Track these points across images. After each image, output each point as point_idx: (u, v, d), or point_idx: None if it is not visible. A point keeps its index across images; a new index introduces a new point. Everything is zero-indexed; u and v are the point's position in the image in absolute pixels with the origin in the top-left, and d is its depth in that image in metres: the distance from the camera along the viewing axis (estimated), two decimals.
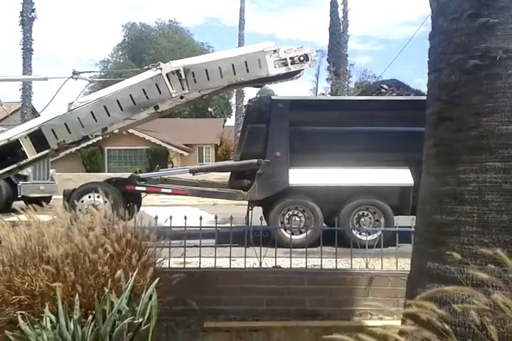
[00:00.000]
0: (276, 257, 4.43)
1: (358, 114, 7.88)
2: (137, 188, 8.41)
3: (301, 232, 7.38)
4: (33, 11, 24.73)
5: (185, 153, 30.51)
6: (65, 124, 7.97)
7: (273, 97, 8.13)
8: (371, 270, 4.34)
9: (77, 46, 79.71)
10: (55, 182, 14.63)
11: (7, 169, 8.14)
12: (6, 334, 2.48)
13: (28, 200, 11.91)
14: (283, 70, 8.26)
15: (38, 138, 7.96)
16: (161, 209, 9.34)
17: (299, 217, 7.77)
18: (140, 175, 8.69)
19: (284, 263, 4.61)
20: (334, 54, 35.26)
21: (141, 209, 9.19)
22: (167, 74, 7.99)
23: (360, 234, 7.17)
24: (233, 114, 35.85)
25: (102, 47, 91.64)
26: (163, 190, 8.51)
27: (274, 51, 8.19)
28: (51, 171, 14.39)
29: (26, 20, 24.43)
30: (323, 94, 41.06)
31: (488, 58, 2.37)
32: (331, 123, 7.87)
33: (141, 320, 2.43)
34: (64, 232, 3.22)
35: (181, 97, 8.12)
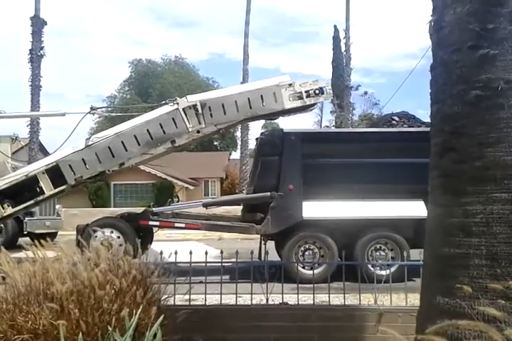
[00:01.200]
0: (283, 293, 4.35)
1: (370, 146, 7.89)
2: (151, 223, 8.38)
3: (313, 267, 7.22)
4: (42, 48, 25.50)
5: (191, 187, 30.56)
6: (83, 160, 8.06)
7: (285, 130, 8.21)
8: (380, 306, 4.25)
9: (85, 82, 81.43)
10: (61, 217, 14.64)
11: (24, 205, 8.23)
12: None
13: (34, 236, 11.87)
14: (298, 104, 8.37)
15: (55, 174, 8.04)
16: (166, 244, 9.26)
17: (314, 252, 7.67)
18: (153, 209, 8.66)
19: (291, 299, 4.51)
20: (338, 87, 35.80)
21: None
22: (184, 109, 8.11)
23: (376, 268, 6.97)
24: (238, 147, 36.06)
25: (108, 83, 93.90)
26: (176, 225, 8.47)
27: (290, 85, 8.32)
28: (57, 207, 14.41)
29: (35, 57, 25.15)
30: (327, 126, 41.48)
31: (490, 89, 2.39)
32: (343, 155, 7.87)
33: None
34: (69, 268, 3.19)
35: (198, 131, 8.22)
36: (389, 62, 79.12)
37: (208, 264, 4.37)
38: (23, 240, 12.12)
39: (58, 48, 66.59)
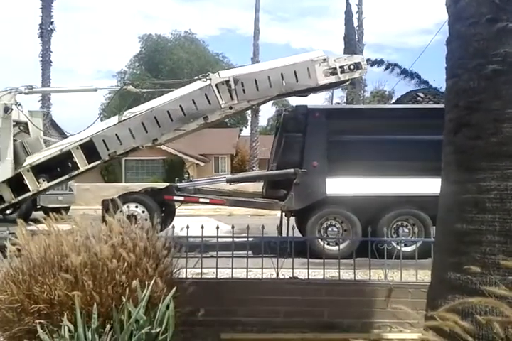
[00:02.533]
0: (293, 268, 4.39)
1: (395, 123, 7.81)
2: (175, 198, 8.44)
3: (337, 243, 7.27)
4: (52, 23, 25.28)
5: (202, 163, 30.68)
6: (116, 135, 8.08)
7: (309, 106, 8.14)
8: (390, 281, 4.28)
9: (95, 58, 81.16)
10: (73, 192, 14.81)
11: (59, 180, 8.29)
12: None
13: (47, 210, 12.06)
14: (332, 79, 8.24)
15: (89, 149, 8.07)
16: (177, 219, 9.35)
17: (337, 228, 7.72)
18: (178, 184, 8.69)
19: (300, 274, 4.56)
20: None
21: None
22: (216, 85, 8.06)
23: (397, 244, 6.98)
24: (249, 123, 35.90)
25: (118, 59, 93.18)
26: (201, 200, 8.52)
27: (324, 60, 8.18)
28: (70, 182, 14.56)
29: (45, 32, 24.97)
30: (338, 103, 41.04)
31: (508, 63, 2.34)
32: (368, 131, 7.81)
33: (158, 329, 2.43)
34: (82, 241, 3.24)
35: (230, 108, 8.18)
36: (402, 37, 77.61)
37: (219, 239, 4.41)
38: (36, 214, 12.34)
39: (67, 23, 66.24)
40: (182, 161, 28.56)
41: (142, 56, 47.39)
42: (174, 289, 2.78)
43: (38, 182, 8.13)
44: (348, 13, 36.18)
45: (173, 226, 4.17)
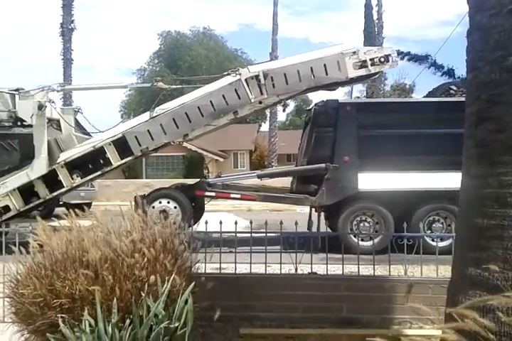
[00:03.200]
0: (312, 263, 4.37)
1: (427, 117, 7.71)
2: (207, 194, 8.49)
3: (370, 238, 7.18)
4: (72, 22, 25.64)
5: (221, 159, 30.79)
6: (148, 131, 8.17)
7: (340, 100, 8.08)
8: (410, 277, 4.23)
9: (115, 55, 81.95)
10: (95, 188, 15.00)
11: (92, 176, 8.45)
12: (48, 337, 2.54)
13: (70, 206, 12.25)
14: (362, 72, 8.18)
15: (121, 145, 8.19)
16: None
17: (369, 223, 7.69)
18: (209, 180, 8.73)
19: (319, 269, 4.54)
20: None
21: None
22: (246, 80, 8.08)
23: (432, 240, 6.69)
24: (267, 119, 35.84)
25: (138, 56, 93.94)
26: (232, 196, 8.56)
27: (354, 53, 8.13)
28: None
29: (66, 31, 25.32)
30: (358, 97, 40.63)
31: None
32: (399, 126, 7.71)
33: (177, 324, 2.45)
34: (103, 237, 3.28)
35: (260, 102, 8.20)
36: (422, 30, 76.28)
37: (237, 234, 4.43)
38: (59, 210, 12.55)
39: (86, 22, 66.86)
40: (201, 157, 28.70)
41: (161, 53, 47.65)
42: (193, 284, 2.80)
43: (72, 178, 8.27)
44: (368, 7, 35.73)
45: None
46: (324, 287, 4.18)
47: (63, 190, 8.36)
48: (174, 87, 9.04)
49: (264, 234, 4.49)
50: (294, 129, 51.49)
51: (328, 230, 8.01)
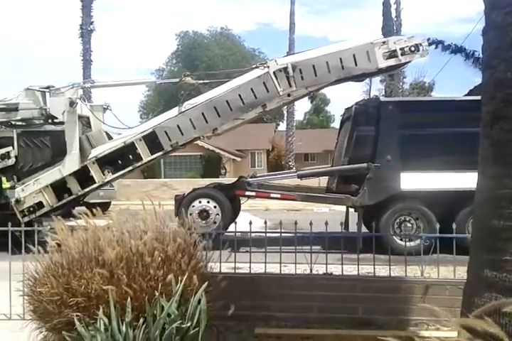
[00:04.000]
0: (327, 264, 4.36)
1: (471, 115, 7.58)
2: (247, 193, 8.50)
3: (413, 239, 7.01)
4: (92, 23, 25.94)
5: (238, 159, 30.82)
6: (178, 126, 8.23)
7: (382, 99, 7.99)
8: (427, 278, 4.18)
9: (133, 56, 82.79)
10: (114, 188, 15.16)
11: (123, 171, 8.56)
12: (64, 335, 2.58)
13: (89, 206, 12.38)
14: (392, 62, 8.07)
15: (151, 141, 8.28)
16: None
17: (411, 224, 7.60)
18: (249, 180, 8.73)
19: (335, 270, 4.52)
20: None
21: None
22: (274, 72, 8.05)
23: None
24: (285, 118, 35.78)
25: (157, 56, 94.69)
26: (272, 195, 8.55)
27: (383, 43, 8.04)
28: None
29: (85, 32, 25.64)
30: (376, 95, 40.23)
31: None
32: (443, 124, 7.59)
33: (189, 324, 2.46)
34: (118, 236, 3.31)
35: (288, 95, 8.17)
36: (442, 27, 75.09)
37: (252, 234, 4.42)
38: (78, 209, 12.70)
39: (106, 23, 67.59)
40: (219, 157, 28.78)
41: (179, 53, 47.98)
42: (206, 284, 2.81)
43: (104, 174, 8.39)
44: (386, 4, 35.36)
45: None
46: (340, 287, 4.15)
47: (95, 185, 8.45)
48: (201, 81, 9.01)
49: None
50: (312, 128, 51.42)
51: (365, 230, 7.83)
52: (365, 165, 7.63)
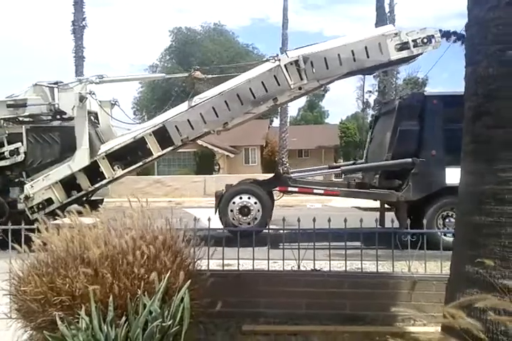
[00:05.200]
0: (314, 260, 4.36)
1: None
2: (290, 189, 8.42)
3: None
4: (84, 19, 25.67)
5: (231, 155, 30.78)
6: (188, 121, 8.15)
7: (426, 93, 7.92)
8: (414, 274, 4.19)
9: (128, 52, 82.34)
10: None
11: (134, 167, 8.45)
12: (45, 334, 2.56)
13: (82, 203, 12.33)
14: (405, 54, 8.03)
15: (162, 136, 8.20)
16: (200, 211, 9.39)
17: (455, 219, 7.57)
18: (292, 175, 8.64)
19: (324, 265, 4.52)
20: None
21: (188, 210, 9.31)
22: (285, 65, 8.00)
23: None
24: (278, 114, 35.74)
25: (151, 52, 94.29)
26: (315, 191, 8.47)
27: (395, 34, 7.99)
28: None
29: (77, 28, 25.40)
30: (370, 91, 40.35)
31: None
32: None
33: (169, 322, 2.45)
34: (103, 234, 3.29)
35: (300, 88, 8.11)
36: (439, 21, 75.20)
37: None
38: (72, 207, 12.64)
39: (100, 18, 67.15)
40: (212, 153, 28.71)
41: (173, 49, 47.74)
42: (189, 282, 2.80)
43: (113, 170, 8.30)
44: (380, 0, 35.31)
45: (195, 218, 4.17)
46: (327, 284, 4.15)
47: (105, 181, 8.38)
48: (210, 76, 8.91)
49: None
50: (306, 124, 51.37)
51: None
52: (410, 160, 7.59)
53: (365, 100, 45.75)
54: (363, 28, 78.65)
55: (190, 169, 27.19)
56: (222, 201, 8.20)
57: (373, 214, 7.68)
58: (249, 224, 8.05)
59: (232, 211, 8.12)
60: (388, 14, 32.04)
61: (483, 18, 2.48)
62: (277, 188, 8.56)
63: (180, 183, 20.81)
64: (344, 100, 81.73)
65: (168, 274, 2.79)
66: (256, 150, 34.55)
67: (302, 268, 4.41)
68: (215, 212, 8.24)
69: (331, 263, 4.32)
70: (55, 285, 3.00)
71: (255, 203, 8.18)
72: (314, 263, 4.36)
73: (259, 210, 8.11)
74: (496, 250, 2.27)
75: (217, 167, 28.01)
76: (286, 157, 28.71)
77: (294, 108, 63.52)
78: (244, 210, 8.14)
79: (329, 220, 4.15)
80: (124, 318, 2.48)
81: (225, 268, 4.40)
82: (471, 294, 2.30)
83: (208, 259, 4.05)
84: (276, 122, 41.97)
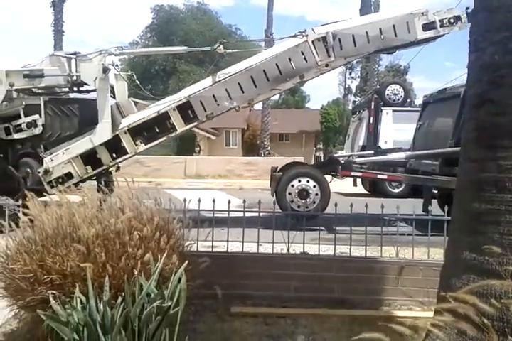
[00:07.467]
0: (304, 243, 4.38)
1: None
2: (353, 174, 8.35)
3: None
4: None
5: (213, 137, 30.61)
6: (213, 96, 7.92)
7: None
8: (401, 259, 4.25)
9: (105, 28, 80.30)
10: None
11: (157, 142, 8.16)
12: (38, 313, 2.51)
13: (100, 179, 11.94)
14: (431, 34, 7.98)
15: (186, 111, 7.96)
16: (188, 193, 9.34)
17: None
18: (356, 160, 8.51)
19: (311, 249, 4.55)
20: None
21: (169, 191, 9.24)
22: (313, 42, 7.84)
23: None
24: None
25: (130, 30, 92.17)
26: (379, 176, 8.41)
27: (423, 14, 7.92)
28: None
29: (57, 1, 24.67)
30: (352, 77, 40.47)
31: None
32: None
33: (170, 303, 2.43)
34: (94, 213, 3.23)
35: (326, 65, 7.98)
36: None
37: (230, 213, 4.39)
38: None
39: None
40: (193, 134, 28.47)
41: (154, 27, 46.77)
42: (186, 263, 2.77)
43: (136, 145, 8.03)
44: None
45: (184, 200, 4.12)
46: (316, 267, 4.19)
47: (127, 156, 8.10)
48: (230, 51, 8.66)
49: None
50: (287, 108, 51.29)
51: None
52: None
53: (346, 86, 45.77)
54: (347, 13, 78.28)
55: (171, 150, 26.93)
56: (280, 184, 8.13)
57: (356, 199, 7.76)
58: (307, 207, 8.01)
59: (290, 194, 8.05)
60: (373, 0, 31.97)
61: (489, 5, 2.46)
62: (338, 173, 8.49)
63: (160, 164, 20.59)
64: (326, 85, 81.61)
65: (164, 255, 2.76)
66: (237, 132, 34.43)
67: (291, 252, 4.43)
68: (272, 194, 8.17)
69: (319, 247, 4.35)
70: (44, 263, 2.94)
71: (314, 186, 8.11)
72: (303, 247, 4.38)
73: (317, 194, 8.04)
74: (494, 237, 2.29)
75: (198, 149, 27.84)
76: (267, 140, 28.70)
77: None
78: (303, 193, 8.08)
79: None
80: (120, 299, 2.45)
81: (214, 250, 4.37)
82: (467, 280, 2.33)
83: (197, 241, 4.02)
84: (257, 105, 41.78)
